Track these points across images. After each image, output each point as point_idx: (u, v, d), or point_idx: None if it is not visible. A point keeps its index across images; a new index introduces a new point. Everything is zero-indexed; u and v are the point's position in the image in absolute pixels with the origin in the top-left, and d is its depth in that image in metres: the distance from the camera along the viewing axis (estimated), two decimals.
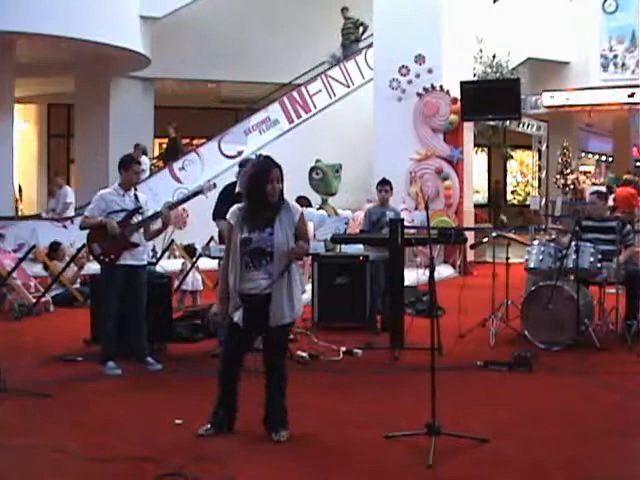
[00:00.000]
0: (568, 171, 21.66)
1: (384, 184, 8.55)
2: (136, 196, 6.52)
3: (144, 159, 15.33)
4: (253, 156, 13.90)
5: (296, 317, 4.71)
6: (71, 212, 14.97)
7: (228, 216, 4.66)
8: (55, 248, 10.59)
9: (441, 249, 13.09)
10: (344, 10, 17.19)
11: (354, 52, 16.74)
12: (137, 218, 6.43)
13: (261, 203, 4.55)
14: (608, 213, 8.56)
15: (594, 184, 22.14)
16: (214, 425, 4.66)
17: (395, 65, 13.97)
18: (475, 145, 16.21)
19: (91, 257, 7.28)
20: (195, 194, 6.70)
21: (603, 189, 15.54)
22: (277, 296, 4.52)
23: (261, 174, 4.54)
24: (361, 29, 17.15)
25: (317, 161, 13.78)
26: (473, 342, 7.39)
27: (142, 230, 6.45)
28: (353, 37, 17.11)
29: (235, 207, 4.68)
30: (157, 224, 6.56)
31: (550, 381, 6.08)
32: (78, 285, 10.16)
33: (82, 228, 6.50)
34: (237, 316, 4.57)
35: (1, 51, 14.78)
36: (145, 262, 6.63)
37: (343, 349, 7.02)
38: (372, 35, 14.91)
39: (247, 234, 4.54)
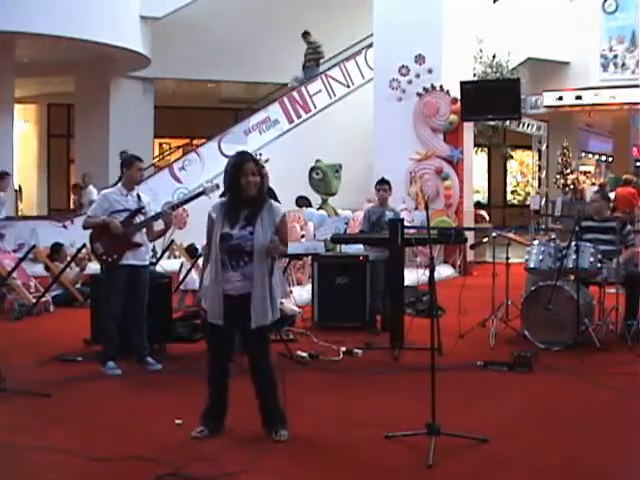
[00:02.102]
0: (568, 171, 21.67)
1: (383, 184, 8.54)
2: (139, 196, 6.53)
3: (91, 188, 15.39)
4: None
5: (275, 319, 4.63)
6: (2, 214, 14.74)
7: (210, 210, 4.64)
8: (57, 249, 10.57)
9: (441, 249, 13.09)
10: (305, 35, 17.07)
11: (316, 74, 16.67)
12: (139, 218, 6.44)
13: (239, 197, 4.53)
14: (608, 213, 8.54)
15: (594, 184, 22.14)
16: (207, 427, 4.65)
17: (395, 65, 13.97)
18: (475, 145, 16.21)
19: (92, 257, 7.28)
20: (198, 195, 6.70)
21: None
22: (257, 297, 4.49)
23: (236, 168, 4.52)
24: (318, 56, 17.08)
25: (317, 161, 13.78)
26: (473, 342, 7.38)
27: (145, 230, 6.46)
28: (313, 61, 17.04)
29: (217, 202, 4.67)
30: (159, 225, 6.57)
31: (550, 381, 6.08)
32: (79, 285, 10.17)
33: (85, 227, 6.51)
34: (219, 319, 4.54)
35: (1, 51, 14.80)
36: (147, 262, 6.64)
37: (343, 349, 7.02)
38: (372, 35, 14.91)
39: (228, 229, 4.51)
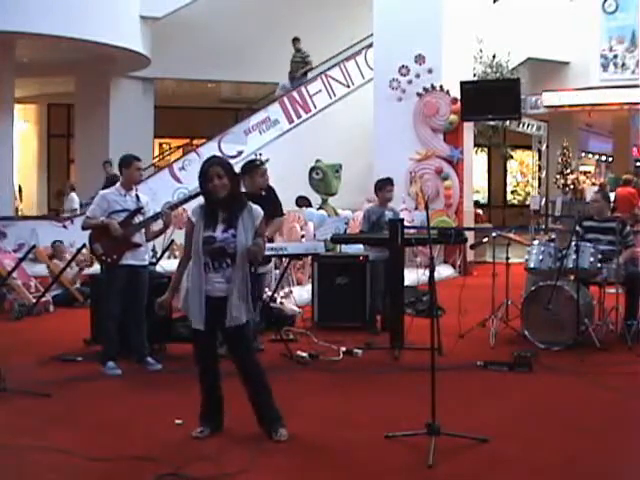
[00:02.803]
0: (568, 171, 21.68)
1: (390, 184, 8.47)
2: (137, 196, 6.52)
3: (73, 196, 15.44)
4: (253, 157, 13.96)
5: (252, 318, 4.66)
6: None
7: (190, 214, 4.69)
8: (56, 247, 10.60)
9: (441, 249, 13.09)
10: (295, 41, 16.97)
11: (302, 83, 16.58)
12: (138, 218, 6.43)
13: (212, 201, 4.58)
14: (609, 213, 8.55)
15: (594, 184, 22.15)
16: (207, 426, 4.66)
17: (395, 65, 13.97)
18: (475, 145, 16.21)
19: (94, 261, 7.25)
20: (197, 194, 6.69)
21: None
22: (234, 297, 4.50)
23: (201, 175, 4.58)
24: (307, 67, 16.97)
25: (317, 161, 13.79)
26: (473, 342, 7.38)
27: (143, 230, 6.46)
28: (301, 71, 16.90)
29: (197, 205, 4.70)
30: (158, 225, 6.57)
31: (550, 381, 6.08)
32: (78, 285, 10.17)
33: (84, 228, 6.50)
34: (201, 323, 4.54)
35: (1, 51, 14.80)
36: (146, 262, 6.64)
37: (343, 349, 7.02)
38: (372, 35, 14.92)
39: (210, 232, 4.54)
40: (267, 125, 16.07)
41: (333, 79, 16.48)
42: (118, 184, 6.56)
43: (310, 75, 16.96)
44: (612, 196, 15.60)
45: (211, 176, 4.53)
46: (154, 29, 16.42)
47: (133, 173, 6.50)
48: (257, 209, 4.67)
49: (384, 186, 8.47)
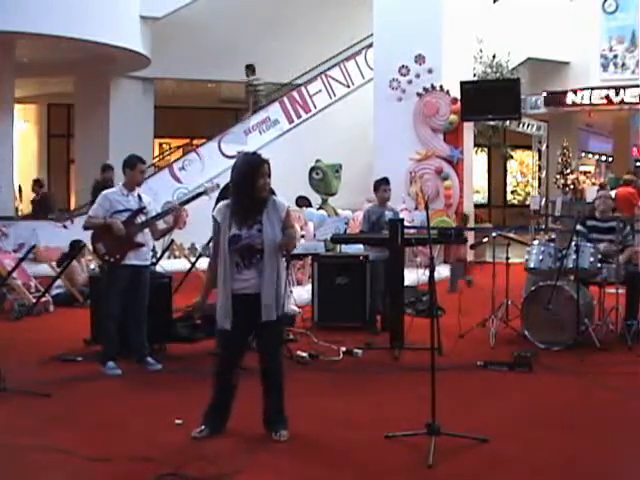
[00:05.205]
0: (568, 171, 21.67)
1: (387, 184, 8.49)
2: (140, 196, 6.52)
3: None
4: None
5: (285, 312, 4.63)
6: None
7: (214, 213, 4.63)
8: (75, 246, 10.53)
9: (441, 249, 13.09)
10: (248, 67, 16.55)
11: (260, 108, 16.38)
12: (141, 218, 6.43)
13: (250, 199, 4.53)
14: (611, 213, 8.56)
15: (594, 184, 22.14)
16: (208, 426, 4.65)
17: (395, 65, 13.99)
18: (475, 145, 16.22)
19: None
20: (199, 195, 6.71)
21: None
22: (266, 291, 4.50)
23: (253, 169, 4.50)
24: (251, 99, 16.55)
25: (317, 161, 13.79)
26: (473, 342, 7.38)
27: (148, 230, 6.45)
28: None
29: (221, 204, 4.65)
30: (162, 224, 6.58)
31: (550, 381, 6.08)
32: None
33: (86, 228, 6.49)
34: (227, 321, 4.54)
35: (1, 51, 14.79)
36: (149, 262, 6.64)
37: (343, 349, 7.02)
38: (372, 35, 14.92)
39: (236, 231, 4.52)
40: (267, 125, 16.08)
41: (333, 79, 16.49)
42: (120, 184, 6.57)
43: (308, 76, 16.95)
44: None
45: (263, 173, 4.49)
46: (154, 29, 16.41)
47: (136, 175, 6.50)
48: (281, 202, 4.65)
49: (379, 186, 8.50)
